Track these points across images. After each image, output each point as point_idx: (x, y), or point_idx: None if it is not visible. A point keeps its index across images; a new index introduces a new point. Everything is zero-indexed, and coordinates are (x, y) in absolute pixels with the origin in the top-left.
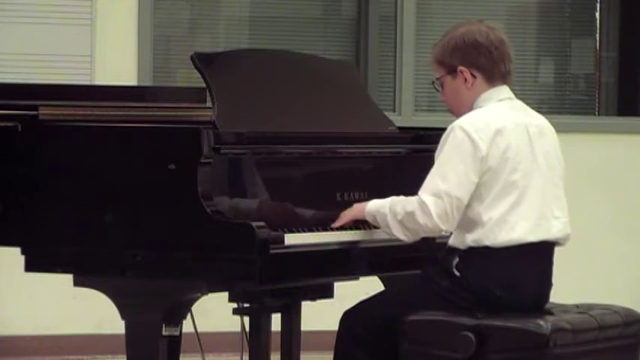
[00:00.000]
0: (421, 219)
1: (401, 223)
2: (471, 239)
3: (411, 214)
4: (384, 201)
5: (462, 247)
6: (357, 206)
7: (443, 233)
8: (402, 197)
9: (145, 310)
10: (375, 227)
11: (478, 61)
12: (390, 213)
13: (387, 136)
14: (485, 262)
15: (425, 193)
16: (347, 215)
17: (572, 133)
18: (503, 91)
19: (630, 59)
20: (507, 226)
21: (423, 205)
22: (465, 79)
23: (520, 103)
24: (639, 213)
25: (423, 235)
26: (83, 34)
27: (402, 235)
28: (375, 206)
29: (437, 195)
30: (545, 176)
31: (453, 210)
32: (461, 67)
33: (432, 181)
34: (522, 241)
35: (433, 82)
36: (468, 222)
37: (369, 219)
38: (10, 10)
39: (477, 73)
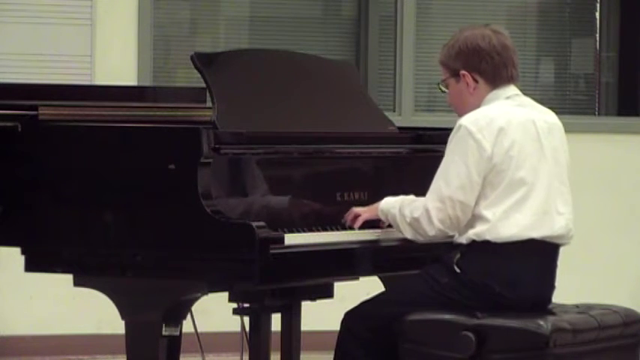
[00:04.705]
0: (426, 226)
1: (410, 225)
2: (472, 233)
3: (417, 220)
4: (395, 200)
5: (464, 241)
6: (372, 206)
7: (448, 235)
8: (412, 198)
9: (145, 310)
10: (375, 227)
11: (480, 67)
12: (400, 215)
13: (387, 136)
14: (485, 258)
15: (430, 197)
16: (363, 217)
17: (572, 133)
18: (510, 89)
19: (630, 59)
20: (510, 221)
21: (427, 211)
22: (467, 84)
23: (528, 99)
24: (639, 213)
25: (432, 238)
26: (83, 34)
27: (411, 237)
28: (387, 205)
29: (440, 200)
30: (552, 172)
31: (457, 213)
32: (463, 72)
33: (437, 184)
34: (524, 236)
35: (439, 84)
36: (471, 218)
37: (381, 217)
38: (10, 10)
39: (479, 78)
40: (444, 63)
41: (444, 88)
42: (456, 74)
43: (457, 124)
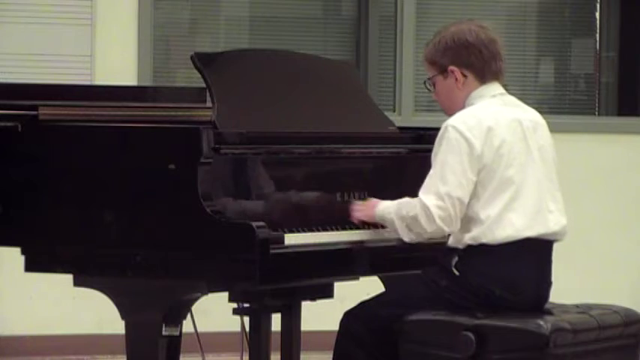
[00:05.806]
0: (425, 223)
1: (407, 227)
2: (469, 237)
3: (415, 218)
4: (391, 204)
5: (460, 246)
6: (367, 208)
7: (446, 234)
8: (407, 200)
9: (145, 310)
10: (376, 227)
11: (468, 61)
12: (397, 217)
13: (387, 136)
14: (483, 261)
15: (426, 196)
16: (357, 217)
17: (572, 133)
18: (495, 87)
19: (630, 59)
20: (504, 222)
21: (426, 209)
22: (456, 79)
23: (512, 99)
24: (639, 213)
25: (428, 237)
26: (83, 34)
27: (407, 238)
28: (383, 209)
29: (439, 197)
30: (540, 170)
31: (455, 211)
32: (452, 67)
33: (432, 183)
34: (520, 236)
35: (425, 82)
36: (466, 221)
37: (378, 221)
38: (10, 10)
39: (467, 73)
40: (430, 60)
41: (430, 87)
42: (443, 71)
43: (444, 126)
